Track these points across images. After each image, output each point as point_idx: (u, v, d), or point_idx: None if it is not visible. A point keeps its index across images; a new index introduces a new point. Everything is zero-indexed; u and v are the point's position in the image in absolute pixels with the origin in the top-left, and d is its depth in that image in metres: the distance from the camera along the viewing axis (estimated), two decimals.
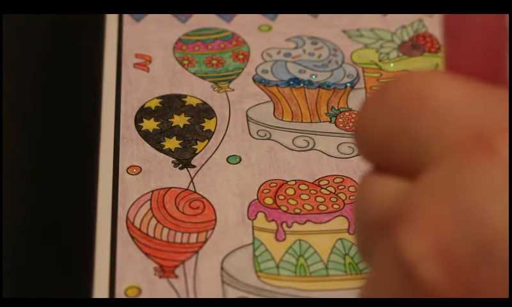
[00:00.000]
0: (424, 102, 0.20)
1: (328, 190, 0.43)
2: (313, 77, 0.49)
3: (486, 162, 0.18)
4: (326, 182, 0.43)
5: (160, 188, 0.43)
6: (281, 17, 0.53)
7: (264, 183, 0.43)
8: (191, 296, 0.38)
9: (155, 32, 0.52)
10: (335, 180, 0.43)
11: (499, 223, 0.17)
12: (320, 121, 0.47)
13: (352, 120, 0.47)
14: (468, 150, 0.18)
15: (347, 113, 0.47)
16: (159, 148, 0.45)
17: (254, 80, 0.49)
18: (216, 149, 0.45)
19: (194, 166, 0.44)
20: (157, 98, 0.48)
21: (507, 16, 0.20)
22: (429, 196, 0.18)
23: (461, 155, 0.18)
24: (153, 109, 0.47)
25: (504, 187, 0.17)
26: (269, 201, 0.42)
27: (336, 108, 0.47)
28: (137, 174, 0.43)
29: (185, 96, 0.48)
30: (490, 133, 0.18)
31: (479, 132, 0.18)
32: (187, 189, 0.43)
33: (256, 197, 0.43)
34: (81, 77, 0.53)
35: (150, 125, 0.46)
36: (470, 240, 0.17)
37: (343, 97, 0.48)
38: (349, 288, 0.39)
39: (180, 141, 0.45)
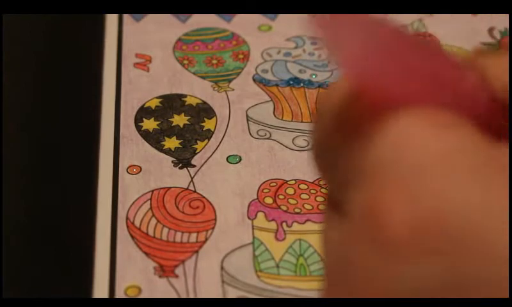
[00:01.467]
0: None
1: None
2: (313, 76, 0.49)
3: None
4: None
5: (160, 188, 0.43)
6: (281, 17, 0.53)
7: (264, 182, 0.43)
8: (191, 296, 0.38)
9: (155, 32, 0.52)
10: None
11: (456, 200, 0.18)
12: None
13: None
14: None
15: None
16: (159, 148, 0.45)
17: (254, 80, 0.49)
18: (216, 149, 0.45)
19: (194, 166, 0.44)
20: (157, 97, 0.48)
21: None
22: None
23: None
24: (153, 108, 0.47)
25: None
26: (269, 200, 0.42)
27: None
28: (137, 173, 0.43)
29: (185, 96, 0.48)
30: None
31: None
32: (187, 189, 0.43)
33: (256, 197, 0.43)
34: (81, 77, 0.53)
35: (150, 124, 0.46)
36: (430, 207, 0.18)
37: None
38: None
39: (180, 141, 0.45)
